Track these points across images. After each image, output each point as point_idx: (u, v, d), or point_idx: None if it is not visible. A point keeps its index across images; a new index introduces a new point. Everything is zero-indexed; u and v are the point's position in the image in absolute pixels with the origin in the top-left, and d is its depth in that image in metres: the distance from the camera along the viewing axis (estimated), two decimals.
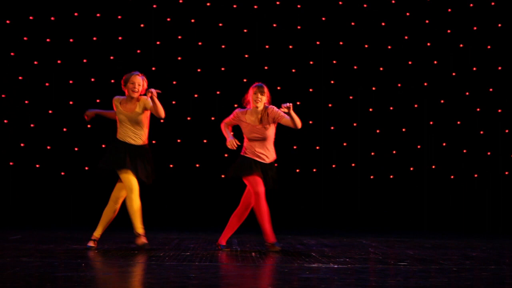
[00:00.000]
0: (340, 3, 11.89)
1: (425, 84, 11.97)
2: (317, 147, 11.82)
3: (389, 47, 11.93)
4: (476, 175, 11.85)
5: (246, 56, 11.81)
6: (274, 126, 7.65)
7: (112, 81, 11.56)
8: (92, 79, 11.64)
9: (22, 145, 11.53)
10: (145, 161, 7.42)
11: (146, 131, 7.50)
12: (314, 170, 11.86)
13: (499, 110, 11.84)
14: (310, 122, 11.68)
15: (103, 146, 11.60)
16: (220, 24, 11.80)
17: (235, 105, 11.80)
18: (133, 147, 7.40)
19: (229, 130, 7.77)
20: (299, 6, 11.85)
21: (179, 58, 11.73)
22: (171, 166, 11.68)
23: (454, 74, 11.94)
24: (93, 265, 6.14)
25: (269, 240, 7.43)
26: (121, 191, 7.44)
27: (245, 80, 11.79)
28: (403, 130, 11.94)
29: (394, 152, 11.93)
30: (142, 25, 11.69)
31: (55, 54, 11.55)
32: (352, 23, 11.91)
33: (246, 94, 7.69)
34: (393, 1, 11.94)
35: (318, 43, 11.89)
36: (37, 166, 11.54)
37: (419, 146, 11.94)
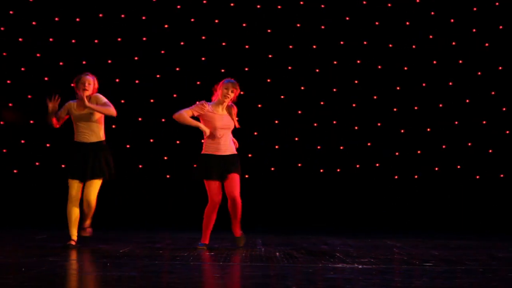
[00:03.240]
0: (364, 2, 11.85)
1: (450, 83, 11.89)
2: (341, 147, 11.79)
3: (414, 46, 11.86)
4: (502, 175, 11.75)
5: (270, 56, 11.81)
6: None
7: (137, 81, 11.61)
8: (117, 80, 11.70)
9: (47, 145, 11.62)
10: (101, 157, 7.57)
11: (102, 128, 7.73)
12: (338, 170, 11.83)
13: None
14: (334, 122, 11.65)
15: (128, 146, 11.65)
16: (244, 25, 11.81)
17: (259, 105, 11.84)
18: (88, 145, 7.58)
19: None
20: (322, 6, 11.82)
21: (203, 59, 11.75)
22: (195, 166, 11.70)
23: (479, 73, 11.85)
24: (119, 265, 6.17)
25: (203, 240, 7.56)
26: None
27: (269, 80, 11.79)
28: (428, 130, 11.87)
29: (418, 152, 11.87)
30: (166, 26, 11.73)
31: (80, 55, 11.62)
32: (376, 23, 11.87)
33: (216, 85, 7.75)
34: (417, 0, 11.87)
35: (342, 43, 11.86)
36: (63, 166, 11.63)
37: (444, 146, 11.86)
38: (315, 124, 11.60)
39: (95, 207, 7.67)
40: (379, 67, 11.87)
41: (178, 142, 11.64)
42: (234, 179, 7.62)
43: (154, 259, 6.57)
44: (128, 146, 11.66)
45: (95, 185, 7.56)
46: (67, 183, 7.66)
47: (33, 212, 11.55)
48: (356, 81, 11.89)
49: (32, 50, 11.63)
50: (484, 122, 11.81)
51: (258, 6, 11.80)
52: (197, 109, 7.68)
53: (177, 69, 11.68)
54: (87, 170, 7.54)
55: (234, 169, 7.64)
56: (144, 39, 11.69)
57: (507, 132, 11.76)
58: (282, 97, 11.79)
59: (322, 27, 11.84)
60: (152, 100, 11.58)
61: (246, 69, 11.77)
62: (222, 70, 11.72)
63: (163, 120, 11.54)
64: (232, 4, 11.79)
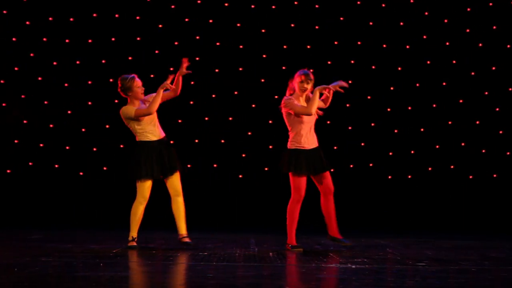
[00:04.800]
0: (358, 2, 11.86)
1: (444, 83, 11.91)
2: (335, 147, 11.80)
3: (408, 46, 11.88)
4: (495, 175, 11.78)
5: (264, 56, 11.81)
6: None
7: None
8: (111, 80, 11.69)
9: (41, 145, 11.61)
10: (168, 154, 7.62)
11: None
12: (332, 170, 11.81)
13: None
14: (328, 122, 11.66)
15: (121, 146, 11.64)
16: (238, 25, 11.81)
17: (253, 105, 11.83)
18: (158, 142, 7.63)
19: None
20: (317, 6, 11.83)
21: (197, 59, 11.74)
22: (189, 166, 11.71)
23: (473, 73, 11.87)
24: (112, 265, 6.17)
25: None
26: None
27: (262, 81, 11.79)
28: (422, 130, 11.89)
29: (412, 152, 11.88)
30: (160, 26, 11.72)
31: (74, 54, 11.61)
32: (370, 23, 11.88)
33: (291, 80, 7.69)
34: (411, 1, 11.89)
35: (336, 43, 11.86)
36: (56, 166, 11.61)
37: (437, 146, 11.88)
38: None
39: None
40: (373, 67, 11.89)
41: (172, 142, 11.62)
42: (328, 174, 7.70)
43: (147, 259, 6.57)
44: (122, 146, 11.65)
45: (178, 178, 7.62)
46: (135, 184, 7.60)
47: (27, 212, 11.53)
48: (350, 81, 11.85)
49: (26, 49, 11.61)
50: (478, 122, 11.83)
51: (253, 6, 11.80)
52: (294, 103, 7.55)
53: (171, 69, 11.65)
54: (166, 166, 7.49)
55: (326, 164, 7.64)
56: (138, 38, 11.68)
57: (501, 132, 11.79)
58: (276, 97, 11.78)
59: (317, 27, 11.85)
60: None
61: (240, 69, 11.78)
62: (216, 70, 11.73)
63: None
64: (226, 4, 11.78)
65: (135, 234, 7.58)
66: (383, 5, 11.85)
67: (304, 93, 7.65)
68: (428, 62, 11.89)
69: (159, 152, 7.64)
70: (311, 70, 7.96)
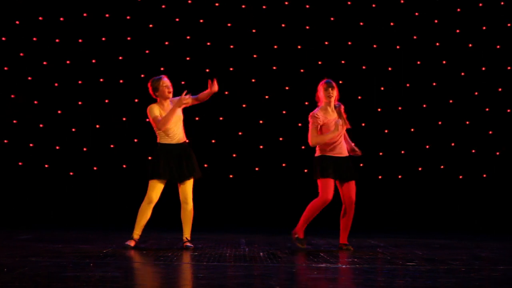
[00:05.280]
0: (349, 3, 11.88)
1: (434, 84, 11.94)
2: None
3: (398, 47, 11.91)
4: (485, 175, 11.82)
5: (255, 56, 11.81)
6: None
7: (121, 81, 11.59)
8: (101, 79, 11.66)
9: (31, 145, 11.57)
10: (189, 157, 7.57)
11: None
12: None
13: (508, 110, 11.83)
14: None
15: (112, 146, 11.62)
16: (229, 24, 11.81)
17: (243, 105, 11.83)
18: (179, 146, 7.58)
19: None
20: (307, 6, 11.84)
21: (188, 58, 11.74)
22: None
23: (463, 74, 11.91)
24: (102, 265, 6.15)
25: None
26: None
27: (253, 81, 11.80)
28: (412, 130, 11.92)
29: (402, 152, 11.91)
30: (150, 26, 11.71)
31: (64, 54, 11.58)
32: (361, 23, 11.90)
33: (317, 94, 7.73)
34: (402, 1, 11.92)
35: (326, 43, 11.88)
36: (46, 166, 11.58)
37: (427, 146, 11.91)
38: (300, 124, 11.60)
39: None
40: (364, 67, 11.91)
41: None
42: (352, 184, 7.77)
43: (138, 259, 6.56)
44: (112, 146, 11.62)
45: (190, 185, 7.54)
46: (147, 184, 7.54)
47: (16, 212, 11.48)
48: (340, 81, 11.89)
49: (16, 49, 11.57)
50: (468, 122, 11.88)
51: (243, 6, 11.80)
52: (316, 123, 7.61)
53: (162, 68, 11.65)
54: (183, 170, 7.45)
55: (353, 173, 7.76)
56: (129, 38, 11.66)
57: (490, 132, 11.84)
58: (266, 97, 11.80)
59: (307, 27, 11.86)
60: (136, 100, 11.55)
61: (231, 69, 11.77)
62: (207, 70, 11.72)
63: (147, 120, 11.51)
64: (217, 4, 11.78)
65: (136, 234, 7.53)
66: (374, 5, 11.87)
67: (330, 100, 7.65)
68: (418, 62, 11.92)
69: (176, 155, 7.54)
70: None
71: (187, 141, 7.75)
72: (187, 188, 7.58)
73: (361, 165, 11.86)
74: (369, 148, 11.91)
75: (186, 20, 11.76)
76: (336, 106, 7.75)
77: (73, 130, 11.60)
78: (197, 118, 11.72)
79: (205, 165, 11.78)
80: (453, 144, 11.88)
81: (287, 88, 11.78)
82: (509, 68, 11.84)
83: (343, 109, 7.81)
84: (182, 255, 6.87)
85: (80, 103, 11.60)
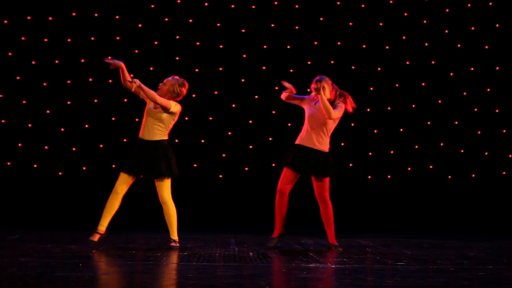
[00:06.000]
0: (338, 3, 11.89)
1: (423, 84, 11.97)
2: None
3: (387, 47, 11.93)
4: (473, 175, 11.86)
5: (244, 56, 11.81)
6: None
7: (110, 81, 11.55)
8: (90, 79, 11.63)
9: (20, 145, 11.52)
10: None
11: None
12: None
13: (497, 110, 11.87)
14: None
15: (101, 146, 11.59)
16: (218, 24, 11.80)
17: (233, 105, 11.83)
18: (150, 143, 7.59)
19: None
20: (297, 6, 11.85)
21: (177, 58, 11.72)
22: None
23: (451, 74, 11.95)
24: (91, 265, 6.14)
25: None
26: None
27: (243, 80, 11.79)
28: (401, 130, 11.94)
29: (391, 152, 11.94)
30: (140, 25, 11.68)
31: (53, 54, 11.54)
32: (350, 23, 11.92)
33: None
34: (391, 1, 11.94)
35: (316, 43, 11.89)
36: (35, 166, 11.53)
37: (416, 146, 11.94)
38: (289, 124, 11.61)
39: (174, 213, 7.58)
40: (353, 67, 11.92)
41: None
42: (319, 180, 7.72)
43: (127, 259, 6.55)
44: (101, 146, 11.59)
45: (161, 185, 7.51)
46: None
47: (4, 212, 11.43)
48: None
49: (4, 49, 11.52)
50: (456, 122, 11.91)
51: (232, 6, 11.79)
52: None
53: (151, 68, 11.64)
54: (149, 168, 7.46)
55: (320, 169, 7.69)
56: (118, 38, 11.63)
57: (479, 132, 11.88)
58: (256, 97, 11.80)
59: (296, 27, 11.87)
60: (125, 100, 11.53)
61: (220, 68, 11.77)
62: (196, 70, 11.71)
63: (136, 119, 11.49)
64: (206, 4, 11.77)
65: (100, 226, 7.51)
66: (363, 5, 11.88)
67: (316, 93, 7.77)
68: (407, 62, 11.95)
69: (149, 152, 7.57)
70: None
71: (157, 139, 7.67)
72: (158, 189, 7.57)
73: (351, 165, 11.88)
74: (358, 148, 11.94)
75: (175, 20, 11.74)
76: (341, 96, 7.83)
77: (62, 130, 11.56)
78: (186, 118, 11.70)
79: (195, 165, 11.77)
80: (442, 144, 11.92)
81: (276, 88, 11.76)
82: (497, 68, 11.89)
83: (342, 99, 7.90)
84: (170, 255, 6.86)
85: (69, 102, 11.56)
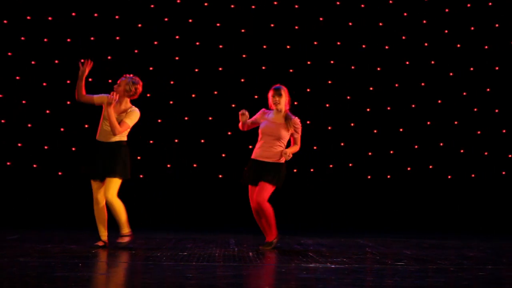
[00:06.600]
0: (338, 3, 11.89)
1: (423, 84, 11.97)
2: (315, 147, 11.82)
3: (387, 47, 11.93)
4: (473, 175, 11.86)
5: (244, 56, 11.81)
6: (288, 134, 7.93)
7: (110, 81, 11.54)
8: (90, 79, 11.63)
9: (19, 145, 11.52)
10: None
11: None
12: (312, 170, 11.86)
13: (496, 110, 11.87)
14: (308, 122, 11.68)
15: None
16: (218, 24, 11.79)
17: (233, 105, 11.82)
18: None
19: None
20: (296, 6, 11.85)
21: (177, 58, 11.72)
22: (168, 166, 11.69)
23: (451, 74, 11.95)
24: (90, 265, 6.14)
25: (272, 237, 7.63)
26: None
27: (242, 80, 11.79)
28: (401, 130, 11.94)
29: (391, 152, 11.94)
30: (139, 25, 11.68)
31: (53, 54, 11.53)
32: (350, 23, 11.92)
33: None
34: (390, 1, 11.94)
35: (315, 43, 11.89)
36: (35, 166, 11.53)
37: (416, 146, 11.94)
38: None
39: (121, 209, 7.53)
40: (353, 67, 11.92)
41: (151, 142, 11.60)
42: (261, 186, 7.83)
43: (127, 259, 6.55)
44: None
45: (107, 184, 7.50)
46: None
47: (4, 212, 11.43)
48: (329, 81, 11.92)
49: (4, 49, 11.52)
50: (456, 122, 11.91)
51: (232, 6, 11.79)
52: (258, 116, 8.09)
53: (151, 68, 11.64)
54: (103, 169, 7.50)
55: (265, 177, 7.80)
56: (118, 38, 11.63)
57: (479, 132, 11.88)
58: (256, 97, 11.79)
59: (296, 27, 11.87)
60: None
61: (220, 69, 11.76)
62: (196, 70, 11.71)
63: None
64: (206, 4, 11.76)
65: (102, 236, 7.58)
66: (362, 5, 11.88)
67: (277, 107, 7.83)
68: (407, 62, 11.95)
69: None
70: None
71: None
72: (106, 186, 7.53)
73: (351, 165, 11.88)
74: (358, 148, 11.94)
75: (175, 20, 11.73)
76: (288, 117, 7.89)
77: (62, 130, 11.56)
78: (186, 118, 11.70)
79: (194, 165, 11.77)
80: (441, 144, 11.92)
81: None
82: (497, 68, 11.89)
83: (295, 127, 8.01)
84: (171, 256, 6.86)
85: (68, 102, 11.55)
